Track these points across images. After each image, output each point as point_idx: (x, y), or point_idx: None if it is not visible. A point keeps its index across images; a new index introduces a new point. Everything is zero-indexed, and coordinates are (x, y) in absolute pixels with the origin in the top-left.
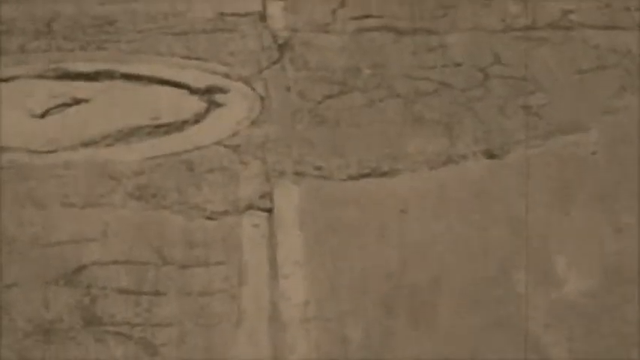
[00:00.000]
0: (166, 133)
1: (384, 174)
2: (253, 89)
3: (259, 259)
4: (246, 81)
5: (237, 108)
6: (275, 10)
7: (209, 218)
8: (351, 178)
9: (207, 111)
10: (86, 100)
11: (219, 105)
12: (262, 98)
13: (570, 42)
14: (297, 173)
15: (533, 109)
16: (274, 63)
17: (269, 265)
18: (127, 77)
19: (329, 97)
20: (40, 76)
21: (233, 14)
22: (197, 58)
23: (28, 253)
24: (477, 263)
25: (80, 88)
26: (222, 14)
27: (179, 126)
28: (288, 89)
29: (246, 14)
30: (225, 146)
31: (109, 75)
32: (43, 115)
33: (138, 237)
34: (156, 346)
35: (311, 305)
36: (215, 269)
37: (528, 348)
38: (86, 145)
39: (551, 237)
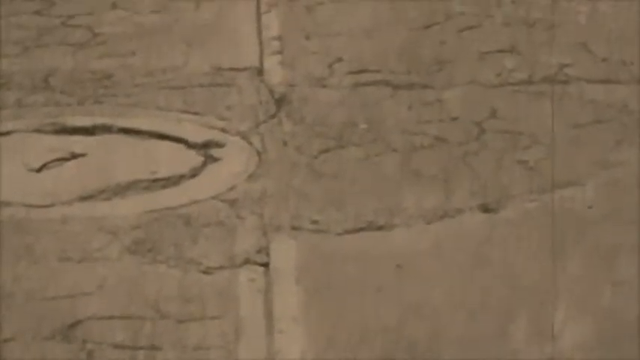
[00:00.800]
0: (163, 187)
1: (380, 228)
2: (250, 143)
3: (255, 314)
4: (244, 135)
5: (234, 162)
6: (272, 65)
7: (205, 272)
8: (348, 232)
9: (204, 165)
10: (83, 155)
11: (216, 159)
12: (259, 152)
13: (567, 96)
14: (293, 227)
15: (530, 163)
16: (271, 117)
17: (265, 320)
18: (125, 131)
19: (326, 151)
20: (38, 131)
21: (230, 69)
22: (194, 113)
23: (25, 307)
24: (474, 318)
25: (78, 143)
26: (219, 69)
27: (176, 180)
28: (285, 143)
29: (243, 69)
30: (222, 200)
31: (107, 129)
32: (40, 170)
33: (134, 291)
34: None
35: None
36: (211, 324)
37: None
38: (83, 199)
39: (548, 291)
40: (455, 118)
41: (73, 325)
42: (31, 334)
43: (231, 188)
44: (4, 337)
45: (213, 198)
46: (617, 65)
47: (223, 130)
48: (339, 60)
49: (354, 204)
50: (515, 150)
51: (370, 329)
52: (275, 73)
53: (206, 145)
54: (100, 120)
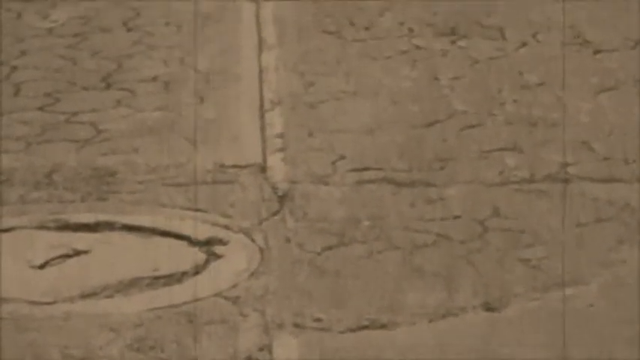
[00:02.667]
0: (166, 284)
1: (383, 326)
2: (253, 240)
3: None
4: (246, 232)
5: (236, 259)
6: (275, 162)
7: None
8: (350, 330)
9: (207, 262)
10: (86, 252)
11: (218, 256)
12: (262, 249)
13: (569, 195)
14: (296, 325)
15: (532, 262)
16: (274, 214)
17: None
18: (128, 228)
19: (328, 248)
20: (40, 227)
21: (234, 166)
22: (197, 210)
23: None
24: None
25: (80, 239)
26: (222, 166)
27: (179, 277)
28: (288, 240)
29: (246, 166)
30: (225, 298)
31: (110, 226)
32: (42, 266)
33: None
34: None
35: None
36: None
37: None
38: (86, 296)
39: None
40: (457, 216)
41: None
42: None
43: (234, 285)
44: None
45: (215, 295)
46: (619, 163)
47: (226, 227)
48: (342, 157)
49: (356, 302)
50: (517, 248)
51: None
52: (278, 170)
53: (209, 242)
54: (102, 217)
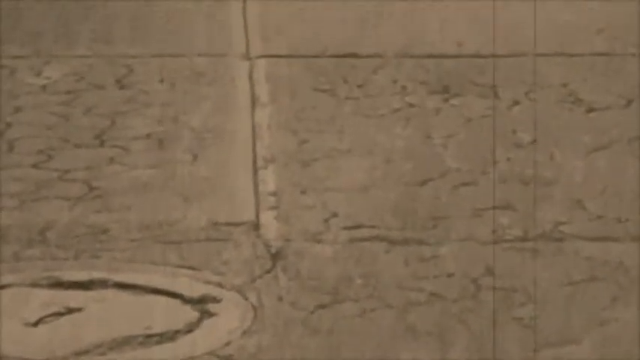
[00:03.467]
0: (158, 343)
1: None
2: (246, 298)
3: None
4: (239, 290)
5: (229, 317)
6: (268, 220)
7: None
8: None
9: (200, 320)
10: (79, 309)
11: (211, 314)
12: (255, 308)
13: (562, 254)
14: None
15: (525, 320)
16: (267, 272)
17: None
18: (121, 286)
19: (321, 306)
20: (34, 285)
21: (227, 224)
22: (190, 267)
23: None
24: None
25: (74, 297)
26: (216, 223)
27: (171, 336)
28: (281, 299)
29: (239, 224)
30: (218, 356)
31: (103, 284)
32: (36, 324)
33: None
34: None
35: None
36: None
37: None
38: (79, 354)
39: None
40: (451, 275)
41: None
42: None
43: (227, 344)
44: None
45: (208, 354)
46: (613, 222)
47: (219, 285)
48: (335, 215)
49: None
50: (510, 307)
51: None
52: (271, 227)
53: (202, 300)
54: (95, 275)
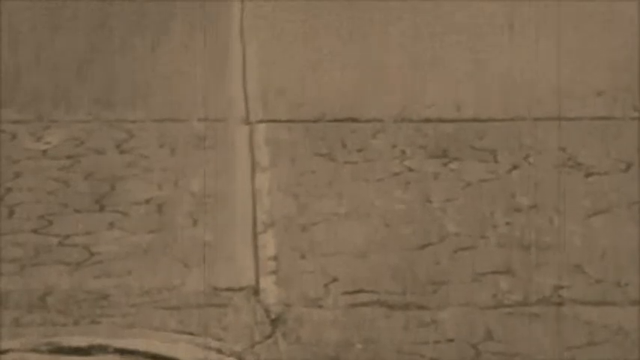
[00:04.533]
0: None
1: None
2: None
3: None
4: (239, 356)
5: None
6: (268, 285)
7: None
8: None
9: None
10: None
11: None
12: None
13: (562, 318)
14: None
15: None
16: (267, 337)
17: None
18: (121, 352)
19: None
20: (34, 350)
21: (227, 289)
22: (190, 333)
23: None
24: None
25: None
26: (215, 288)
27: None
28: None
29: (239, 289)
30: None
31: (103, 349)
32: None
33: None
34: None
35: None
36: None
37: None
38: None
39: None
40: (450, 340)
41: None
42: None
43: None
44: None
45: None
46: (612, 286)
47: (219, 351)
48: (335, 280)
49: None
50: None
51: None
52: (271, 292)
53: None
54: (95, 340)
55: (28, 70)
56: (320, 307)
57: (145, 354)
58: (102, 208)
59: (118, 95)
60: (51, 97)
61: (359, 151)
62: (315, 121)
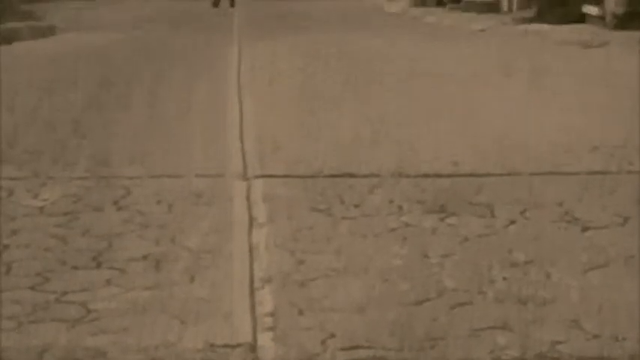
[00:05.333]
0: None
1: None
2: None
3: None
4: None
5: None
6: (265, 341)
7: None
8: None
9: None
10: None
11: None
12: None
13: None
14: None
15: None
16: None
17: None
18: None
19: None
20: None
21: (224, 345)
22: None
23: None
24: None
25: None
26: (212, 345)
27: None
28: None
29: (236, 345)
30: None
31: None
32: None
33: None
34: None
35: None
36: None
37: None
38: None
39: None
40: None
41: None
42: None
43: None
44: None
45: None
46: (610, 342)
47: None
48: (332, 336)
49: None
50: None
51: None
52: (268, 349)
53: None
54: None
55: (26, 128)
56: None
57: None
58: (99, 265)
59: (115, 152)
60: (48, 154)
61: (356, 206)
62: (312, 177)
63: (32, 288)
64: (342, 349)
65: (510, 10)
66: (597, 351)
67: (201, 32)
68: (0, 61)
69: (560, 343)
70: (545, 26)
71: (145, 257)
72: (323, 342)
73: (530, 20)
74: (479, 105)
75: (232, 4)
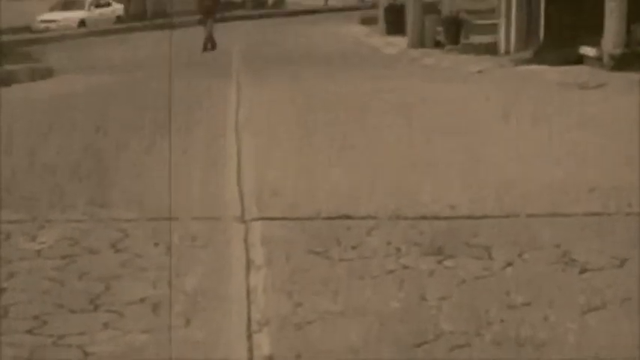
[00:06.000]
0: None
1: None
2: None
3: None
4: None
5: None
6: None
7: None
8: None
9: None
10: None
11: None
12: None
13: None
14: None
15: None
16: None
17: None
18: None
19: None
20: None
21: None
22: None
23: None
24: None
25: None
26: None
27: None
28: None
29: None
30: None
31: None
32: None
33: None
34: None
35: None
36: None
37: None
38: None
39: None
40: None
41: None
42: None
43: None
44: None
45: None
46: None
47: None
48: None
49: None
50: None
51: None
52: None
53: None
54: None
55: (24, 172)
56: None
57: None
58: (96, 308)
59: (113, 194)
60: (46, 198)
61: (354, 248)
62: (309, 219)
63: (30, 331)
64: None
65: (508, 51)
66: None
67: (199, 74)
68: None
69: None
70: (543, 67)
71: (142, 300)
72: None
73: (528, 62)
74: (477, 148)
75: (210, 48)
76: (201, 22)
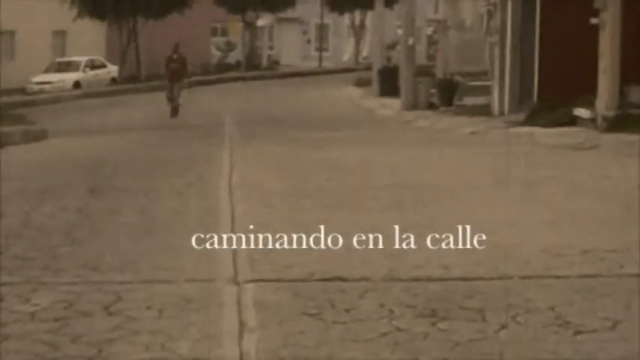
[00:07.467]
0: None
1: None
2: None
3: None
4: None
5: None
6: None
7: None
8: None
9: None
10: None
11: None
12: None
13: None
14: None
15: None
16: None
17: None
18: None
19: None
20: None
21: None
22: None
23: None
24: None
25: None
26: None
27: None
28: None
29: None
30: None
31: None
32: None
33: None
34: None
35: None
36: None
37: None
38: None
39: None
40: None
41: None
42: None
43: None
44: None
45: None
46: None
47: None
48: None
49: None
50: None
51: None
52: None
53: None
54: None
55: (17, 235)
56: None
57: None
58: None
59: (106, 257)
60: (40, 260)
61: (347, 311)
62: (303, 281)
63: None
64: None
65: (502, 112)
66: None
67: (189, 137)
68: None
69: None
70: (536, 129)
71: None
72: None
73: (522, 123)
74: (469, 211)
75: (174, 113)
76: (166, 87)
